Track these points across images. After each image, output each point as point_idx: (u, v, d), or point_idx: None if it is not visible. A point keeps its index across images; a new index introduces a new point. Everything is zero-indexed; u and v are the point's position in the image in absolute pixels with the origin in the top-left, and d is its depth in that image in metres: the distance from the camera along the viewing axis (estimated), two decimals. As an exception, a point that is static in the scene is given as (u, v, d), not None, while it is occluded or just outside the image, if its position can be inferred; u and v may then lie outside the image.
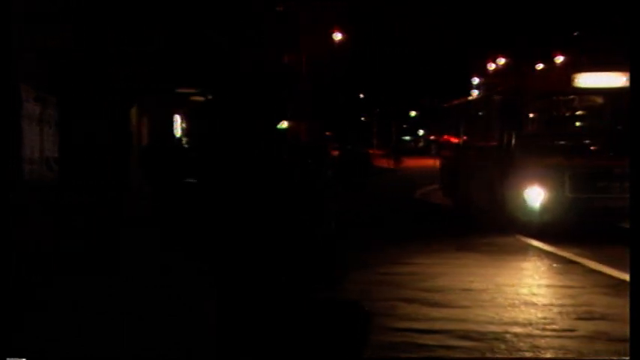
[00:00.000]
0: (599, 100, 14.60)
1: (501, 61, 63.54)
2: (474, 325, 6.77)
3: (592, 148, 14.00)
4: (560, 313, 7.47)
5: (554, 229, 13.28)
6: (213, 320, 4.00)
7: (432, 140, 71.03)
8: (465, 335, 6.33)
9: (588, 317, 7.29)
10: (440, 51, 60.29)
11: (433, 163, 43.03)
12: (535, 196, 13.38)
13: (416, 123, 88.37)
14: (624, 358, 5.85)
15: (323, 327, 3.79)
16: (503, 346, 6.15)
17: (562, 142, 14.07)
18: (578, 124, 15.45)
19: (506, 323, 6.93)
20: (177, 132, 25.64)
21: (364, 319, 3.87)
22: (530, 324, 6.95)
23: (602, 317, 7.31)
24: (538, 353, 6.01)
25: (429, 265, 10.35)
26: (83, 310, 6.50)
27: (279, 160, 13.44)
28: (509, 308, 7.61)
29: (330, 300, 3.78)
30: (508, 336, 6.45)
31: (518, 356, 5.91)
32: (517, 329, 6.72)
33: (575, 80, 13.82)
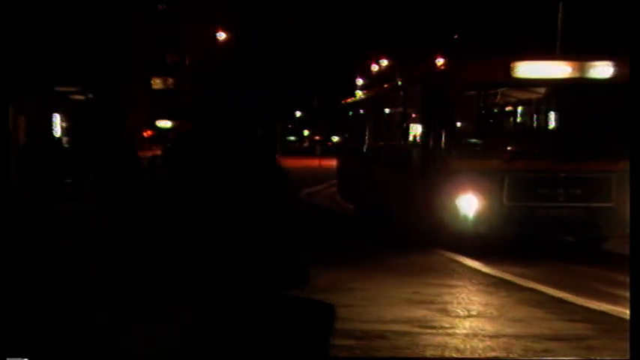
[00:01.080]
0: (542, 94, 12.66)
1: (384, 62, 64.66)
2: (357, 323, 6.85)
3: (533, 149, 12.04)
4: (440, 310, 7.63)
5: (487, 244, 11.52)
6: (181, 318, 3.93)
7: (317, 140, 71.57)
8: (349, 334, 6.40)
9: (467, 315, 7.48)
10: (325, 52, 60.81)
11: (318, 163, 43.58)
12: (466, 204, 11.36)
13: (301, 123, 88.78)
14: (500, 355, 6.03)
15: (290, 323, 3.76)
16: (384, 344, 6.25)
17: (499, 142, 12.16)
18: (518, 121, 13.73)
19: (388, 321, 7.03)
20: (57, 131, 24.95)
21: (330, 315, 3.86)
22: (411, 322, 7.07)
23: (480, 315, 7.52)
24: (417, 350, 6.13)
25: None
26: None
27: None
28: (391, 307, 7.71)
29: (299, 297, 3.75)
30: (389, 334, 6.56)
31: (398, 355, 6.02)
32: (397, 327, 6.83)
33: (517, 70, 11.68)
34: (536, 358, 6.03)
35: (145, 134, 45.63)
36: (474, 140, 12.13)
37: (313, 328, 3.67)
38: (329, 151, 65.20)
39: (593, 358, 6.03)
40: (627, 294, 5.08)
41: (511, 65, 11.64)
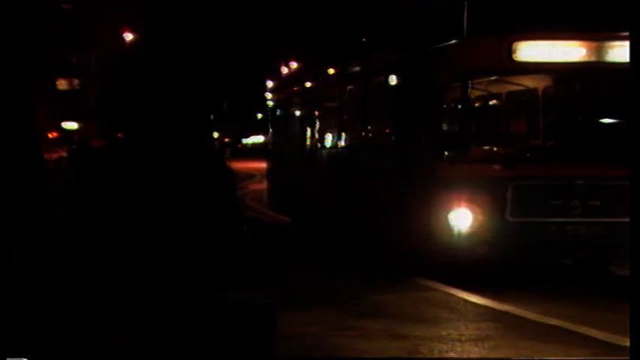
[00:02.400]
0: (554, 81, 10.09)
1: (294, 64, 64.82)
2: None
3: (544, 151, 9.77)
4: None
5: (483, 271, 9.16)
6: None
7: (227, 143, 71.20)
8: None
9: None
10: (233, 53, 60.54)
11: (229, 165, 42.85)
12: (459, 221, 8.94)
13: (211, 125, 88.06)
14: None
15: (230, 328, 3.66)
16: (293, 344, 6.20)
17: (500, 143, 9.89)
18: (524, 116, 10.70)
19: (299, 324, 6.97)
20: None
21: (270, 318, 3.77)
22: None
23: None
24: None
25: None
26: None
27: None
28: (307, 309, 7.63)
29: (240, 301, 3.64)
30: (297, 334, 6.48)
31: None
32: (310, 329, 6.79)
33: (522, 51, 9.12)
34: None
35: (49, 136, 44.60)
36: (468, 140, 9.73)
37: (252, 330, 3.62)
38: (239, 153, 65.02)
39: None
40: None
41: (514, 46, 9.08)
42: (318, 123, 14.11)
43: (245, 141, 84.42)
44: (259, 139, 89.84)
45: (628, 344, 4.63)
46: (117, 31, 41.50)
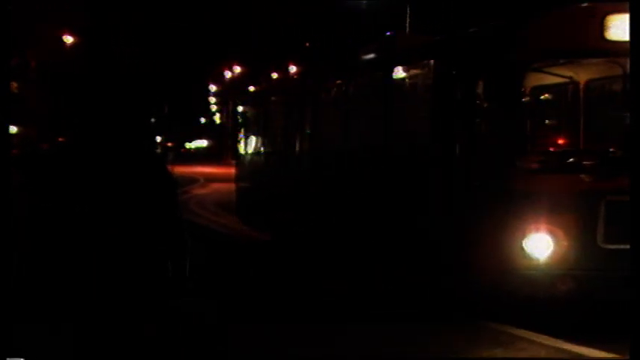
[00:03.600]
0: None
1: (237, 69, 64.77)
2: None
3: None
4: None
5: (574, 312, 6.96)
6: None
7: (170, 147, 70.69)
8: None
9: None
10: (175, 57, 60.19)
11: (172, 170, 42.50)
12: (537, 248, 6.99)
13: (152, 129, 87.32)
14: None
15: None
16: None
17: (589, 147, 7.58)
18: (621, 114, 7.71)
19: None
20: None
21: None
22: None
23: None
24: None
25: None
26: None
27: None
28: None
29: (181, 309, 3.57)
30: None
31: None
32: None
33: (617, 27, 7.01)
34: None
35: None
36: (548, 143, 7.80)
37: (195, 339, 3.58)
38: (183, 157, 64.57)
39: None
40: None
41: (607, 20, 7.05)
42: (314, 122, 11.55)
43: (188, 145, 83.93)
44: (202, 143, 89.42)
45: None
46: (56, 32, 40.95)
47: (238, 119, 16.06)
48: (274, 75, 51.79)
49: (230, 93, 70.34)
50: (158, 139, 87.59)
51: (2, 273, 3.84)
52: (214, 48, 61.51)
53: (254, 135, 14.63)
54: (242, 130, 15.52)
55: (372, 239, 9.37)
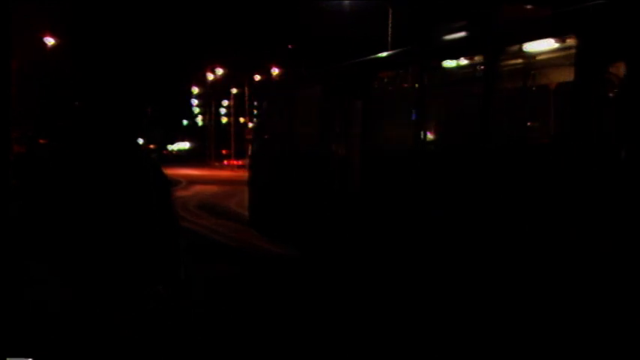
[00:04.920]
0: None
1: (219, 71, 64.67)
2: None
3: None
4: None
5: None
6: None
7: (152, 149, 70.51)
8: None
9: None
10: (156, 60, 60.07)
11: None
12: None
13: (138, 131, 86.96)
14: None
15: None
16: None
17: None
18: None
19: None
20: None
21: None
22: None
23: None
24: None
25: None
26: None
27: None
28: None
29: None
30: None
31: None
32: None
33: None
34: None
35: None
36: None
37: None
38: (164, 159, 64.37)
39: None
40: None
41: None
42: (373, 119, 9.24)
43: (170, 147, 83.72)
44: (185, 145, 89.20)
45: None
46: (37, 35, 40.80)
47: (254, 114, 14.00)
48: (257, 77, 51.84)
49: (212, 95, 70.32)
50: (140, 141, 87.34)
51: (2, 273, 3.86)
52: (196, 49, 61.42)
53: (278, 132, 12.13)
54: (259, 126, 13.41)
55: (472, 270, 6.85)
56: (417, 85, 8.21)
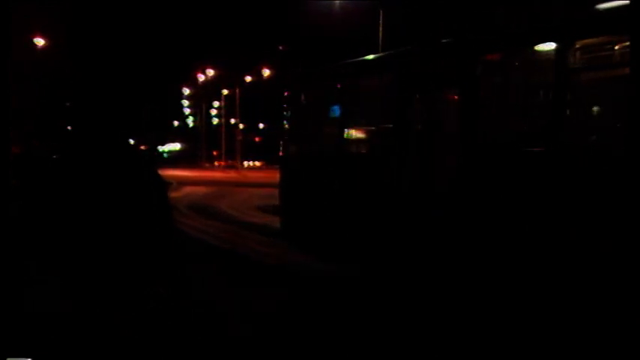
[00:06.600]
0: None
1: (210, 72, 64.52)
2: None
3: None
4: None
5: None
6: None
7: (143, 150, 70.30)
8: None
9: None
10: (148, 61, 59.95)
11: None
12: None
13: (131, 133, 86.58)
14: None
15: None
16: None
17: None
18: None
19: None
20: None
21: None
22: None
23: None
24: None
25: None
26: None
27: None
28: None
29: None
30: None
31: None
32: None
33: None
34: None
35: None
36: None
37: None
38: (155, 160, 64.15)
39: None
40: None
41: None
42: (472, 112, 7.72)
43: (161, 149, 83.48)
44: (175, 146, 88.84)
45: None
46: (29, 36, 40.73)
47: (285, 107, 12.23)
48: (247, 78, 51.83)
49: (203, 96, 70.16)
50: (131, 142, 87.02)
51: (2, 273, 3.94)
52: (187, 50, 61.34)
53: (326, 130, 10.86)
54: (294, 124, 11.90)
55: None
56: (560, 68, 6.36)
